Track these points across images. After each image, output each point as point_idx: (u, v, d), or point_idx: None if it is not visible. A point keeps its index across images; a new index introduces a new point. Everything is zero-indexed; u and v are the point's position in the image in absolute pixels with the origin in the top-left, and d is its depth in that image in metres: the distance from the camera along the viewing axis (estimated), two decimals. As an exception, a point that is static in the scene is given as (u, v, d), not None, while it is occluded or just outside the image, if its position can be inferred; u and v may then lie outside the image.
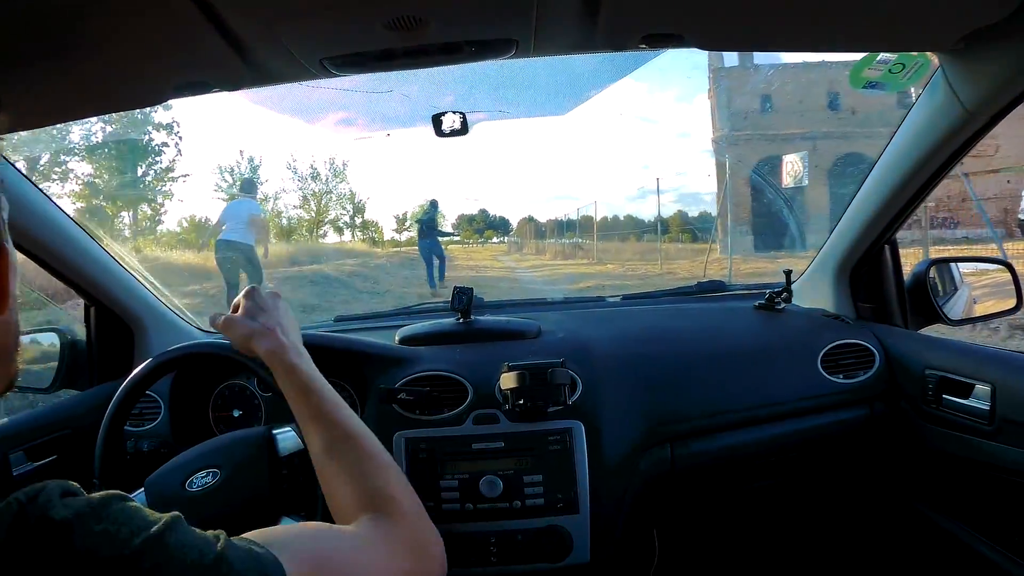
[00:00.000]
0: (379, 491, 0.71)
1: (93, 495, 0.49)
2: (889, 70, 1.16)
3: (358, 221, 35.50)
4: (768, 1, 0.80)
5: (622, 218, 19.40)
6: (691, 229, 23.09)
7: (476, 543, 1.18)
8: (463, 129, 1.14)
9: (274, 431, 1.07)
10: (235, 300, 0.96)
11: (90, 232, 1.37)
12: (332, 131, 1.21)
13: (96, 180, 22.81)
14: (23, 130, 1.06)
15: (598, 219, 23.39)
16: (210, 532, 0.51)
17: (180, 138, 25.02)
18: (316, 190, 32.52)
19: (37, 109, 0.98)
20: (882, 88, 1.21)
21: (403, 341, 1.42)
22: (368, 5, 0.74)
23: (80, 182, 22.23)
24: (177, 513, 0.50)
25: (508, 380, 1.16)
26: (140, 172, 24.52)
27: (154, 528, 0.47)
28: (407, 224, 41.23)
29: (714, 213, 20.61)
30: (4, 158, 1.12)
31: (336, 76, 0.88)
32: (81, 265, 1.37)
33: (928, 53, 1.07)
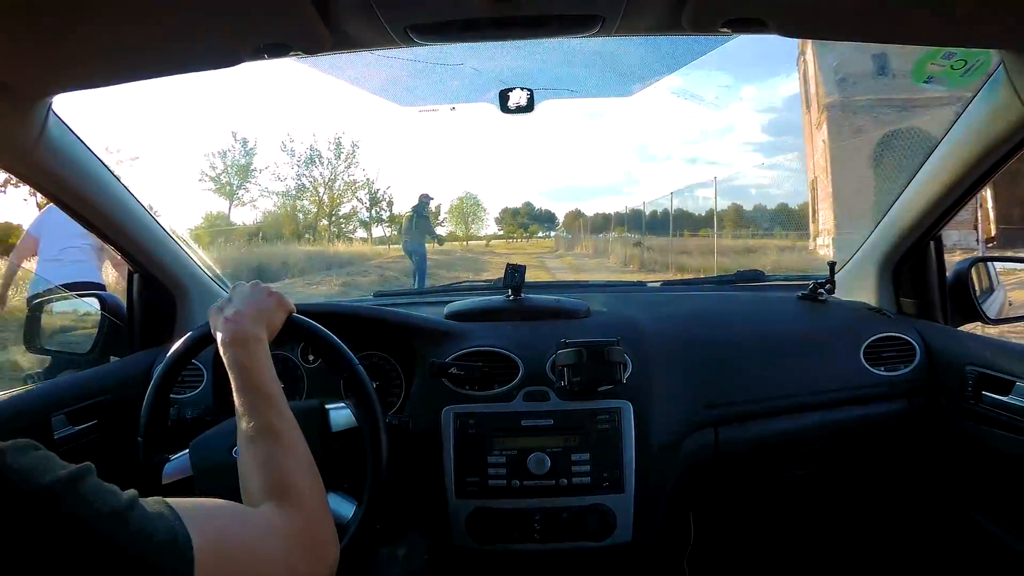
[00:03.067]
0: (286, 482, 0.73)
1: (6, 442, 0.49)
2: (951, 66, 1.16)
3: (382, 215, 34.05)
4: None
5: (672, 213, 17.62)
6: (751, 223, 20.93)
7: (521, 519, 1.19)
8: (529, 106, 1.14)
9: (327, 406, 1.08)
10: None
11: (139, 199, 1.38)
12: (397, 101, 1.21)
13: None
14: (88, 88, 1.06)
15: (647, 214, 20.87)
16: (127, 492, 0.53)
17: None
18: (323, 176, 31.43)
19: (104, 68, 0.97)
20: (941, 84, 1.21)
21: (451, 316, 1.42)
22: None
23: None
24: (89, 464, 0.52)
25: (565, 356, 1.17)
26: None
27: (64, 472, 0.49)
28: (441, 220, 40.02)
29: (792, 204, 18.54)
30: (58, 116, 1.13)
31: (419, 45, 0.89)
32: (129, 230, 1.38)
33: (991, 52, 1.08)
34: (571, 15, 0.84)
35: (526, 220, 54.75)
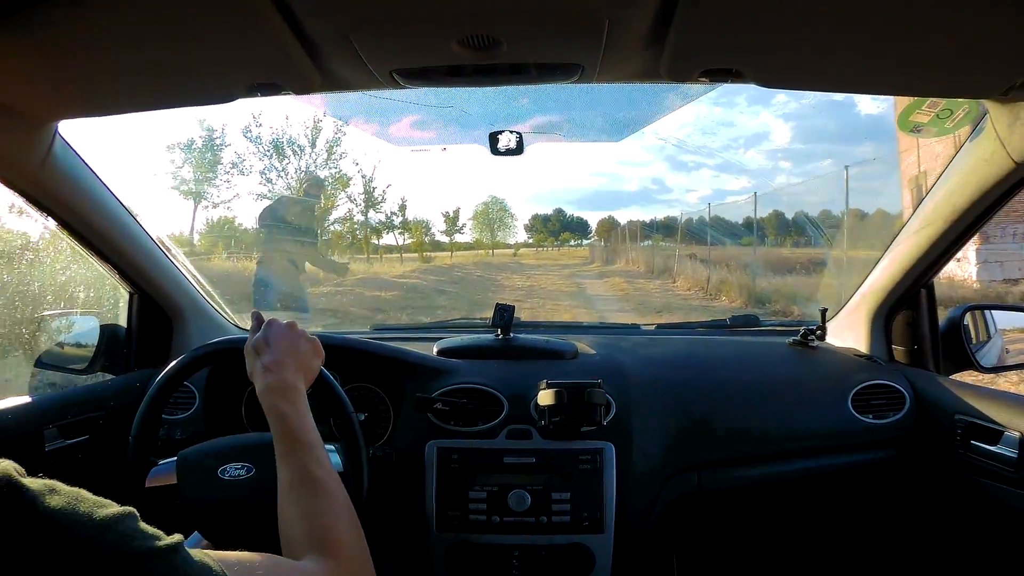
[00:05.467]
0: (327, 533, 0.73)
1: (37, 480, 0.49)
2: (937, 115, 1.17)
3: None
4: (825, 44, 0.82)
5: (708, 220, 15.90)
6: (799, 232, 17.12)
7: (500, 555, 1.19)
8: (519, 148, 1.17)
9: None
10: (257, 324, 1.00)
11: (140, 222, 1.42)
12: (389, 141, 1.25)
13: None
14: (94, 116, 1.10)
15: (682, 222, 18.24)
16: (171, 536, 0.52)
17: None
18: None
19: (107, 98, 1.02)
20: (929, 133, 1.22)
21: (442, 352, 1.45)
22: (445, 21, 0.77)
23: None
24: (132, 509, 0.51)
25: (546, 397, 1.18)
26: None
27: (105, 513, 0.49)
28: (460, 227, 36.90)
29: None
30: (64, 140, 1.17)
31: (403, 88, 0.92)
32: (130, 253, 1.41)
33: (978, 101, 1.09)
34: (551, 63, 0.87)
35: (557, 228, 53.73)
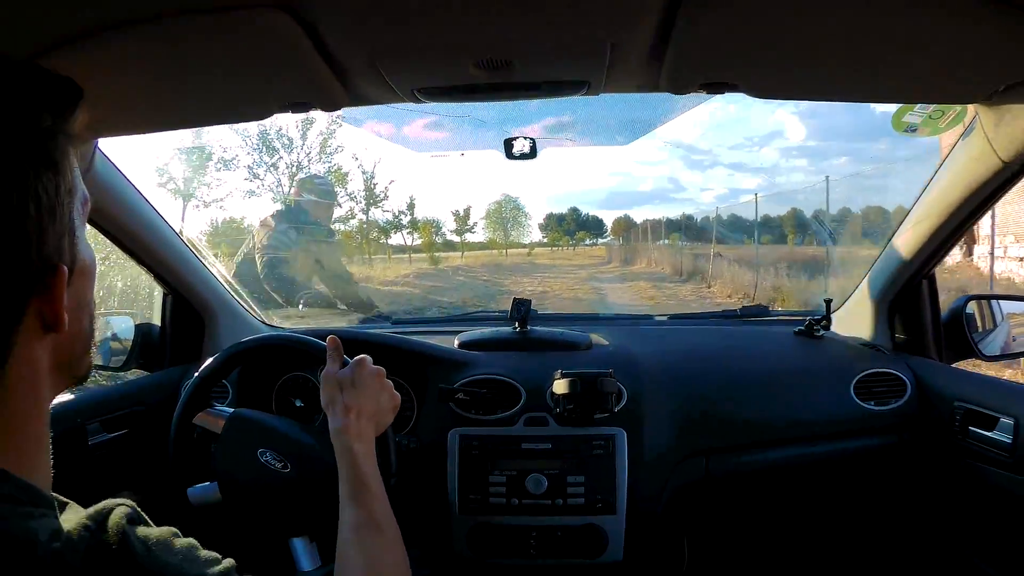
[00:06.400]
0: None
1: (152, 530, 0.50)
2: (929, 116, 1.22)
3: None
4: (814, 56, 0.87)
5: (725, 218, 15.27)
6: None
7: (518, 535, 1.27)
8: (532, 153, 1.24)
9: None
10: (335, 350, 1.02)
11: (173, 227, 1.50)
12: (407, 147, 1.32)
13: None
14: (131, 134, 1.18)
15: (711, 217, 16.40)
16: None
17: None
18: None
19: (153, 117, 1.09)
20: (922, 133, 1.27)
21: (463, 345, 1.52)
22: (462, 46, 0.84)
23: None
24: (232, 561, 0.54)
25: (560, 386, 1.25)
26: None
27: (216, 568, 0.52)
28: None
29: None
30: (103, 154, 1.25)
31: (425, 103, 0.99)
32: (164, 257, 1.50)
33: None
34: (560, 80, 0.94)
35: (572, 227, 53.21)
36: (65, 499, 0.50)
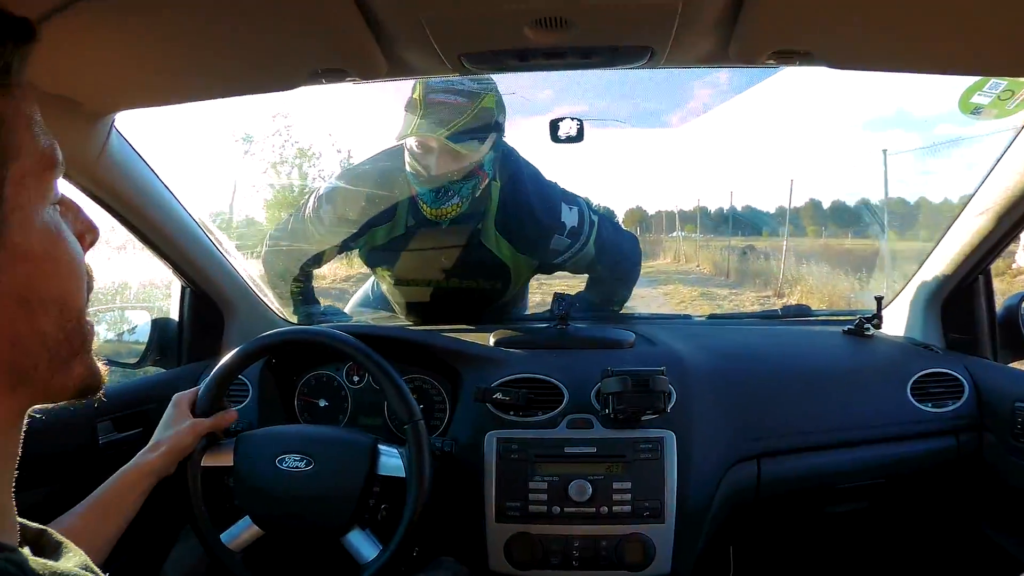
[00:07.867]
0: None
1: None
2: (999, 96, 1.16)
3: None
4: (897, 22, 0.81)
5: (741, 209, 13.74)
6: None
7: (560, 546, 1.18)
8: (579, 136, 1.16)
9: (380, 445, 1.11)
10: None
11: (195, 217, 1.44)
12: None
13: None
14: (154, 106, 1.11)
15: (712, 211, 14.92)
16: None
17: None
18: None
19: (167, 87, 1.03)
20: (989, 115, 1.20)
21: (499, 343, 1.44)
22: (519, 2, 0.77)
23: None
24: None
25: (610, 384, 1.17)
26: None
27: None
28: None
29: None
30: (120, 133, 1.19)
31: (471, 73, 0.92)
32: (183, 246, 1.43)
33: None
34: (621, 46, 0.87)
35: None
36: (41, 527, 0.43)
